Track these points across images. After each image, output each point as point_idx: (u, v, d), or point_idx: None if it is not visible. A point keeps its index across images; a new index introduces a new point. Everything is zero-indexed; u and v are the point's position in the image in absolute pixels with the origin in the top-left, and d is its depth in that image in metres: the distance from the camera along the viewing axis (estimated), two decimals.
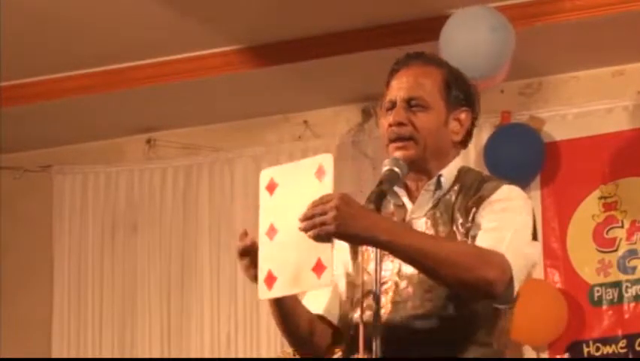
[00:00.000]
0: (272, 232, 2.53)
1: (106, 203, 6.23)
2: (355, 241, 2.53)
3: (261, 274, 2.53)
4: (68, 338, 6.12)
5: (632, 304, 5.23)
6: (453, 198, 2.75)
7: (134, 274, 6.10)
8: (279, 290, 2.53)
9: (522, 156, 5.30)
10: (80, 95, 5.63)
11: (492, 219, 2.68)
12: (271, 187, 2.55)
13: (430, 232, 2.72)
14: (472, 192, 2.74)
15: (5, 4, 4.76)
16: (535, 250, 2.74)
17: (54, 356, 6.11)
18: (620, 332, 5.23)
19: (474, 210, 2.70)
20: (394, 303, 2.69)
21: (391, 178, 2.67)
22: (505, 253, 2.59)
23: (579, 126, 5.43)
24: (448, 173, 2.79)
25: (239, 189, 5.99)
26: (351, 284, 2.83)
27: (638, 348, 5.18)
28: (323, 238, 2.46)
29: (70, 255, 6.21)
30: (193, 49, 5.36)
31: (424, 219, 2.75)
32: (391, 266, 2.71)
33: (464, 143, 2.86)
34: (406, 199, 2.80)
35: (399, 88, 2.81)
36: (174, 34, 5.16)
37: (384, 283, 2.70)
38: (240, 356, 5.83)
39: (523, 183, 5.33)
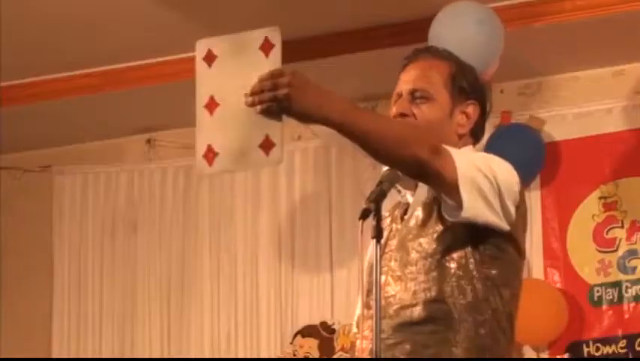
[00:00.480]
0: (212, 105, 2.43)
1: (106, 203, 6.23)
2: (306, 119, 2.45)
3: (200, 149, 2.43)
4: (68, 338, 6.13)
5: (632, 304, 5.23)
6: None
7: (134, 274, 6.10)
8: (221, 166, 2.43)
9: (522, 156, 5.28)
10: (80, 95, 5.63)
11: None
12: (209, 58, 2.45)
13: (417, 218, 2.75)
14: None
15: (6, 3, 4.76)
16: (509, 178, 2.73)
17: (54, 356, 6.11)
18: (620, 332, 5.23)
19: None
20: (386, 298, 2.71)
21: (391, 178, 2.68)
22: (453, 153, 2.60)
23: (579, 126, 5.43)
24: None
25: (239, 189, 5.99)
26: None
27: (638, 348, 5.18)
28: (273, 113, 2.38)
29: (70, 255, 6.21)
30: (193, 49, 5.33)
31: (419, 211, 2.77)
32: (383, 263, 2.73)
33: (475, 136, 2.88)
34: (409, 196, 2.82)
35: (405, 81, 2.84)
36: (174, 35, 5.16)
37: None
38: (240, 356, 5.83)
39: (523, 183, 5.33)
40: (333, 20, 5.05)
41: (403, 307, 2.69)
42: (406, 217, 2.82)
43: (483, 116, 2.88)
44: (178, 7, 4.90)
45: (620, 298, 5.25)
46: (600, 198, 5.35)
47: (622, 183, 5.33)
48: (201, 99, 2.43)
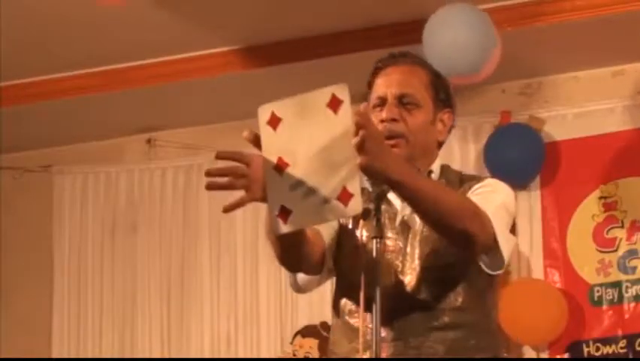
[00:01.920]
0: (281, 165, 2.45)
1: (106, 203, 6.23)
2: (370, 174, 2.47)
3: (274, 210, 2.46)
4: (68, 338, 6.13)
5: (632, 304, 5.23)
6: None
7: (134, 274, 6.10)
8: (297, 222, 2.47)
9: (522, 156, 5.30)
10: (80, 95, 5.63)
11: (479, 193, 2.74)
12: (273, 122, 2.45)
13: (424, 227, 2.74)
14: (456, 187, 2.81)
15: (5, 4, 4.76)
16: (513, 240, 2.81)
17: (54, 356, 6.11)
18: (620, 332, 5.23)
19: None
20: (402, 297, 2.71)
21: None
22: (492, 219, 2.64)
23: (579, 126, 5.43)
24: (434, 170, 2.85)
25: None
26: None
27: (638, 348, 5.18)
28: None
29: (70, 255, 6.21)
30: (193, 49, 5.36)
31: (417, 216, 2.77)
32: (388, 260, 2.74)
33: (442, 145, 2.92)
34: (391, 195, 2.80)
35: (388, 85, 2.83)
36: (174, 35, 5.16)
37: (388, 280, 2.72)
38: (240, 356, 5.83)
39: (523, 183, 5.34)
40: (333, 20, 5.05)
41: (425, 309, 2.70)
42: (398, 219, 2.81)
43: (453, 123, 2.91)
44: (178, 8, 4.91)
45: (620, 298, 5.25)
46: (600, 198, 5.35)
47: (622, 183, 5.33)
48: (270, 161, 2.46)
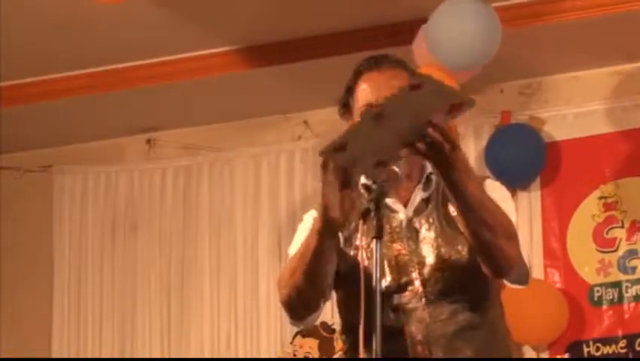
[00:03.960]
0: (383, 114, 2.45)
1: (106, 203, 6.23)
2: (440, 167, 2.54)
3: (339, 138, 2.50)
4: (68, 337, 6.12)
5: (632, 304, 5.24)
6: (442, 195, 2.79)
7: (134, 274, 6.10)
8: (341, 159, 2.52)
9: (522, 156, 5.30)
10: (80, 95, 5.63)
11: (494, 198, 2.72)
12: (416, 86, 2.44)
13: (432, 228, 2.73)
14: None
15: (5, 4, 4.76)
16: None
17: (54, 356, 6.11)
18: (620, 332, 5.23)
19: None
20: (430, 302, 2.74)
21: (392, 178, 2.67)
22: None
23: (579, 126, 5.43)
24: (434, 171, 2.82)
25: (239, 189, 5.99)
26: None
27: (638, 348, 5.18)
28: (420, 151, 2.45)
29: (70, 255, 6.21)
30: (193, 49, 5.36)
31: (423, 219, 2.77)
32: (413, 270, 2.76)
33: None
34: (389, 200, 2.79)
35: (376, 90, 2.79)
36: (174, 35, 5.16)
37: (408, 283, 2.75)
38: (240, 356, 5.83)
39: (523, 183, 5.34)
40: (332, 20, 5.05)
41: (455, 313, 2.71)
42: (404, 222, 2.81)
43: None
44: (177, 7, 4.91)
45: (620, 298, 5.25)
46: (600, 198, 5.35)
47: (622, 183, 5.33)
48: (383, 102, 2.47)
